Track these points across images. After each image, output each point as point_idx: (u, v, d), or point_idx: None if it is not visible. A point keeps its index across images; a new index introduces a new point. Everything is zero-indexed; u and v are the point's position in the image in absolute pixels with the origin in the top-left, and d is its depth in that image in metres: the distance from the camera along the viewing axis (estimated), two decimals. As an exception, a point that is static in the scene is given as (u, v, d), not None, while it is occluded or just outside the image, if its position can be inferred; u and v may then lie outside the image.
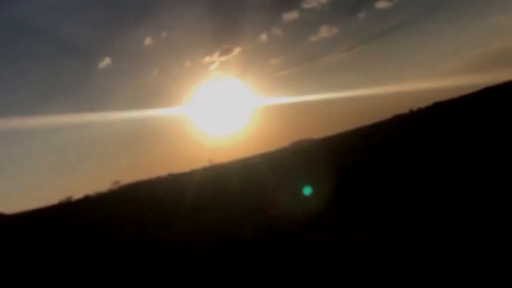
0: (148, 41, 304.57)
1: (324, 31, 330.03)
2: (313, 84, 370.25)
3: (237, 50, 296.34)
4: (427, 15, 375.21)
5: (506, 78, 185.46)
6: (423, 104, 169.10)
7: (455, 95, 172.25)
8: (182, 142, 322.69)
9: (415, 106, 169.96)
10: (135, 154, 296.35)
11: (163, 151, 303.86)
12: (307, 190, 31.10)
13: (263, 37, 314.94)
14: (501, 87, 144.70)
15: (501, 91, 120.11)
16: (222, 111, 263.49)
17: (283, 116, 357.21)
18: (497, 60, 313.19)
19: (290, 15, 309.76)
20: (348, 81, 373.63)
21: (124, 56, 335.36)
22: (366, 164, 38.44)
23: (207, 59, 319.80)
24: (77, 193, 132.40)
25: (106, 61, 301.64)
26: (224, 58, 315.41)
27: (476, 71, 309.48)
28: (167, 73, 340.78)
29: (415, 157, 35.35)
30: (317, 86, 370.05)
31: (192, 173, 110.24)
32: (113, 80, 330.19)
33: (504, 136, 32.94)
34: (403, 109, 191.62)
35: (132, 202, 69.21)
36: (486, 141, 32.63)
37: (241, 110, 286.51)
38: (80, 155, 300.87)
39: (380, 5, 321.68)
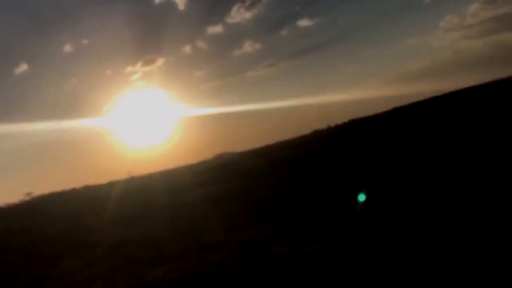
0: (68, 48, 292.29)
1: (248, 46, 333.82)
2: (236, 98, 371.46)
3: (160, 61, 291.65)
4: (347, 35, 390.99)
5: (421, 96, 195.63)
6: (340, 120, 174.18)
7: (370, 112, 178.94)
8: (101, 153, 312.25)
9: (332, 122, 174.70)
10: (51, 166, 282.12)
11: (81, 163, 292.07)
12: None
13: (187, 49, 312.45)
14: (410, 106, 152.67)
15: (410, 109, 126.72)
16: (143, 122, 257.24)
17: (205, 128, 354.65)
18: (412, 79, 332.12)
19: (215, 29, 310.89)
20: (270, 96, 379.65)
21: (42, 62, 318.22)
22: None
23: (129, 68, 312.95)
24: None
25: (23, 67, 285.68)
26: (147, 69, 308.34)
27: (392, 89, 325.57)
28: (87, 81, 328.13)
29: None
30: (240, 100, 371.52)
31: (109, 185, 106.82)
32: (30, 86, 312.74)
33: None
34: (321, 124, 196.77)
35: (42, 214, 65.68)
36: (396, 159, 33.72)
37: (163, 121, 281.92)
38: None
39: (302, 23, 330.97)
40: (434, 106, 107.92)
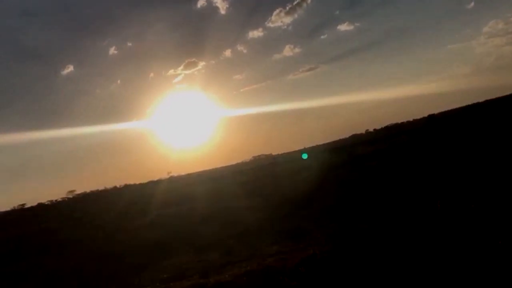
0: (112, 50, 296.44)
1: (288, 50, 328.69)
2: (275, 101, 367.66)
3: (201, 64, 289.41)
4: (387, 40, 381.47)
5: (461, 104, 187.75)
6: (378, 125, 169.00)
7: (410, 118, 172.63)
8: (143, 154, 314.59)
9: (371, 126, 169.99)
10: (94, 166, 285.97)
11: (123, 163, 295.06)
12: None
13: (228, 53, 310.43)
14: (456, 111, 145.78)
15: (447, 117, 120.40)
16: (185, 123, 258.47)
17: (244, 130, 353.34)
18: (452, 86, 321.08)
19: (255, 33, 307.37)
20: (308, 99, 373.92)
21: (87, 64, 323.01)
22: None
23: (171, 71, 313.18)
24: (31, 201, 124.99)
25: (69, 69, 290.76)
26: (188, 72, 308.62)
27: (430, 95, 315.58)
28: (130, 84, 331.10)
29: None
30: (279, 103, 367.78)
31: (148, 184, 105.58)
32: (76, 88, 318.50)
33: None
34: (360, 129, 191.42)
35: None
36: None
37: (204, 123, 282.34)
38: (37, 164, 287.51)
39: (342, 27, 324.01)
40: (474, 114, 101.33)
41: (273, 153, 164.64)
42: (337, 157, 65.42)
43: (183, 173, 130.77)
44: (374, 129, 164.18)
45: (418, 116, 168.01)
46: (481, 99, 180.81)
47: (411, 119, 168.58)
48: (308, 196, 28.75)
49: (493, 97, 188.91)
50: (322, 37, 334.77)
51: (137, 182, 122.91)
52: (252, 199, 34.25)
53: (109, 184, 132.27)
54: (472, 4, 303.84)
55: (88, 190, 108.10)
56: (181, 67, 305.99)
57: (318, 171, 47.40)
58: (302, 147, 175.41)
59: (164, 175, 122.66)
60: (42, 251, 29.44)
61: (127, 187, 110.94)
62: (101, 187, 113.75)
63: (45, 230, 44.78)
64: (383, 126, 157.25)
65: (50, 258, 26.39)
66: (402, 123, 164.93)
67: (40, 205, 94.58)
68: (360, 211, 20.90)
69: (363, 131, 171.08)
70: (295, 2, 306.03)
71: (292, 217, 23.28)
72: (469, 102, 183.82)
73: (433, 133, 67.23)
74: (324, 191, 30.41)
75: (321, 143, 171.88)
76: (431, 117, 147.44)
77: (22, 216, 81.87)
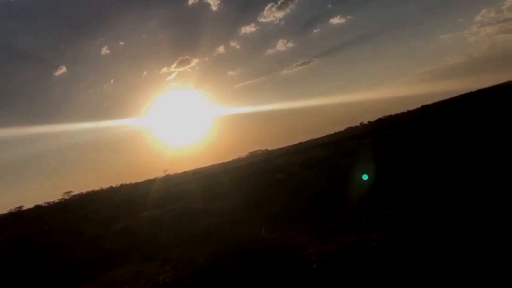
0: (104, 50, 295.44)
1: (281, 45, 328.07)
2: (270, 96, 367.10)
3: (195, 62, 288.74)
4: (380, 32, 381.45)
5: (455, 93, 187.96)
6: (372, 117, 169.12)
7: (404, 109, 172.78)
8: (138, 152, 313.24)
9: (365, 119, 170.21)
10: (89, 165, 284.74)
11: (118, 162, 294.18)
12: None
13: (221, 49, 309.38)
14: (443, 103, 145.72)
15: (441, 107, 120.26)
16: (179, 121, 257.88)
17: (239, 127, 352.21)
18: (445, 75, 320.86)
19: (248, 29, 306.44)
20: (303, 94, 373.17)
21: (80, 65, 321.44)
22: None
23: (164, 69, 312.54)
24: (28, 203, 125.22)
25: (62, 70, 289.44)
26: (182, 69, 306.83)
27: (424, 86, 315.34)
28: (124, 82, 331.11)
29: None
30: (274, 99, 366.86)
31: (145, 183, 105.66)
32: (69, 88, 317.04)
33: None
34: (354, 121, 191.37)
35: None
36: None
37: (199, 120, 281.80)
38: (33, 165, 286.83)
39: (334, 21, 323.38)
40: (468, 103, 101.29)
41: (269, 148, 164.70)
42: (324, 153, 65.84)
43: (179, 171, 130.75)
44: (369, 121, 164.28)
45: (413, 107, 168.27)
46: (473, 89, 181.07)
47: (405, 110, 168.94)
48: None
49: (486, 86, 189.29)
50: (314, 31, 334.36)
51: (134, 181, 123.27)
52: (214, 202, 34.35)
53: (105, 184, 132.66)
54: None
55: (84, 191, 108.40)
56: (174, 64, 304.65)
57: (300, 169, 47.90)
58: (297, 141, 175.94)
59: (160, 174, 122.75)
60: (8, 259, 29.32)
61: (123, 186, 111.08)
62: (97, 187, 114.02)
63: (25, 236, 44.57)
64: (376, 119, 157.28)
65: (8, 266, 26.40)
66: (396, 114, 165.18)
67: (37, 208, 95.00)
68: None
69: (358, 124, 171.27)
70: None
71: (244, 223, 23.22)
72: (462, 92, 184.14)
73: (423, 126, 67.27)
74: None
75: (316, 137, 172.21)
76: (425, 108, 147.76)
77: (19, 219, 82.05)
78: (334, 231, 15.93)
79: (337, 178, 32.56)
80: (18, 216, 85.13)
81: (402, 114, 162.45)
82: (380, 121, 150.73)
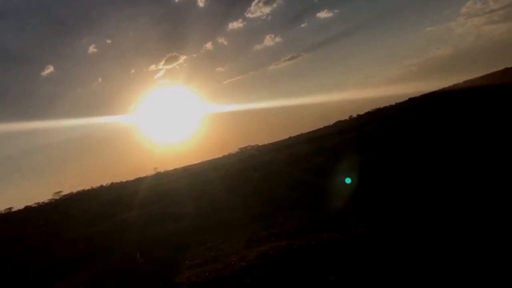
0: (92, 48, 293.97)
1: (269, 40, 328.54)
2: (259, 92, 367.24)
3: (183, 59, 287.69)
4: (367, 25, 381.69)
5: (442, 85, 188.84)
6: (361, 110, 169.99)
7: (392, 101, 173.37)
8: (127, 150, 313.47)
9: (354, 112, 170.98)
10: (79, 164, 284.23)
11: (108, 160, 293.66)
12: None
13: (209, 45, 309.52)
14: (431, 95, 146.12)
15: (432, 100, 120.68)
16: (168, 119, 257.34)
17: (230, 123, 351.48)
18: (432, 67, 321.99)
19: (235, 24, 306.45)
20: (292, 89, 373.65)
21: (67, 64, 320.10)
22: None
23: (152, 67, 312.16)
24: (19, 204, 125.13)
25: (49, 69, 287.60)
26: (169, 66, 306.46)
27: (413, 78, 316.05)
28: (112, 81, 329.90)
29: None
30: (263, 94, 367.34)
31: (135, 181, 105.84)
32: (57, 88, 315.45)
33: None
34: (344, 115, 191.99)
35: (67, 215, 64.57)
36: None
37: (188, 117, 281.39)
38: (23, 164, 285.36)
39: (321, 15, 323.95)
40: (454, 96, 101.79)
41: (259, 144, 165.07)
42: (306, 149, 66.17)
43: (169, 169, 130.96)
44: (358, 115, 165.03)
45: (401, 99, 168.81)
46: (461, 80, 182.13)
47: (393, 103, 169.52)
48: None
49: (473, 77, 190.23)
50: (302, 25, 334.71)
51: (125, 179, 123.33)
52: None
53: (96, 183, 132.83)
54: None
55: (74, 191, 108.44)
56: (162, 62, 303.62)
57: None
58: (287, 136, 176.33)
59: (150, 171, 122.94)
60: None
61: (113, 185, 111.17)
62: (88, 187, 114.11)
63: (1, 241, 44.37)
64: (365, 112, 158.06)
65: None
66: (385, 107, 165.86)
67: (27, 209, 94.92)
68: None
69: (347, 117, 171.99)
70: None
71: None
72: (451, 83, 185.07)
73: (408, 119, 67.64)
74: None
75: (306, 131, 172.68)
76: (412, 100, 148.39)
77: (8, 221, 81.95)
78: (268, 238, 16.17)
79: (315, 176, 32.99)
80: (8, 218, 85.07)
81: (391, 106, 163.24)
82: (368, 114, 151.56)
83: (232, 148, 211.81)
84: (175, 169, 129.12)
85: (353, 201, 19.52)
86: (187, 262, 15.87)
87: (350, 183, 25.93)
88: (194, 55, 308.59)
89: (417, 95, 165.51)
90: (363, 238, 12.74)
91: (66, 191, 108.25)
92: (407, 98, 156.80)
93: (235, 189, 36.31)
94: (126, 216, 36.87)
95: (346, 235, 13.40)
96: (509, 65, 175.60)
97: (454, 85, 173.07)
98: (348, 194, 21.65)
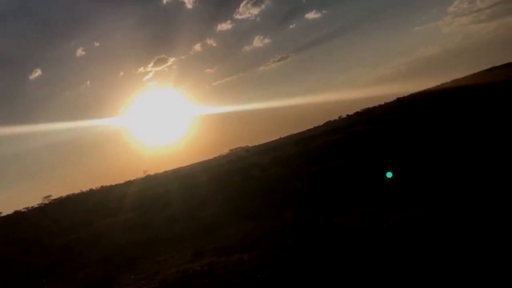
0: (80, 51, 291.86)
1: (257, 41, 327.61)
2: (248, 93, 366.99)
3: (171, 60, 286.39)
4: (355, 26, 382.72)
5: (430, 84, 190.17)
6: (351, 110, 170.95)
7: (382, 101, 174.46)
8: (117, 153, 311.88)
9: (344, 113, 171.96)
10: (68, 167, 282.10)
11: (97, 163, 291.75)
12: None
13: (198, 47, 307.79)
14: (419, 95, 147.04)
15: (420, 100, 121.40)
16: (158, 121, 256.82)
17: (219, 125, 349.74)
18: (421, 67, 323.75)
19: (224, 26, 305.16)
20: (281, 90, 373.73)
21: (55, 67, 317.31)
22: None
23: (141, 69, 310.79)
24: (8, 208, 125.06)
25: (37, 73, 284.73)
26: (158, 68, 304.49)
27: (402, 78, 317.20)
28: (100, 83, 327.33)
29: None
30: (252, 95, 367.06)
31: (125, 184, 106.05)
32: (45, 91, 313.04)
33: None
34: (334, 115, 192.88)
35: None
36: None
37: (178, 119, 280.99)
38: (12, 168, 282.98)
39: (310, 16, 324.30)
40: (443, 96, 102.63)
41: (250, 145, 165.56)
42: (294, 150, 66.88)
43: (159, 171, 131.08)
44: (347, 115, 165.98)
45: (390, 99, 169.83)
46: (449, 79, 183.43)
47: (382, 103, 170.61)
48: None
49: (461, 76, 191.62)
50: (290, 26, 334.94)
51: (114, 182, 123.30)
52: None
53: (86, 186, 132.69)
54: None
55: (64, 195, 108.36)
56: (151, 64, 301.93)
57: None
58: (277, 137, 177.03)
59: (141, 174, 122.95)
60: None
61: (102, 189, 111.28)
62: (77, 190, 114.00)
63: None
64: (354, 112, 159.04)
65: None
66: (374, 107, 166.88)
67: (16, 213, 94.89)
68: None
69: (337, 117, 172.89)
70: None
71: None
72: (438, 83, 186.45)
73: (394, 120, 68.19)
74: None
75: (295, 132, 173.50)
76: (400, 100, 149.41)
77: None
78: (212, 252, 16.61)
79: (289, 182, 33.47)
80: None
81: (380, 106, 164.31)
82: (357, 114, 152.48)
83: (222, 149, 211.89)
84: (165, 172, 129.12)
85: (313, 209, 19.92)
86: (132, 277, 16.41)
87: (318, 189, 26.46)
88: (183, 57, 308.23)
89: (406, 94, 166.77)
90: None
91: (55, 195, 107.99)
92: (395, 98, 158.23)
93: (210, 197, 36.80)
94: (102, 223, 37.31)
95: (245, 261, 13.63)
96: (496, 64, 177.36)
97: (442, 84, 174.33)
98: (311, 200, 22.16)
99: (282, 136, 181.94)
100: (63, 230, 42.80)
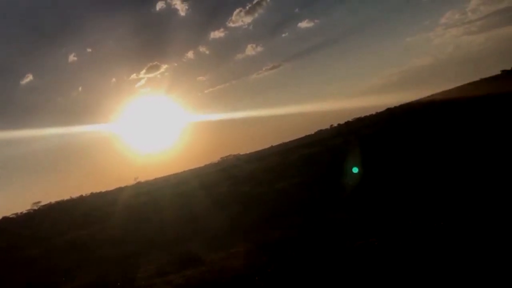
0: (72, 57, 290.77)
1: (250, 50, 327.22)
2: (241, 101, 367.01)
3: (164, 67, 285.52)
4: (347, 35, 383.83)
5: (420, 95, 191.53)
6: (342, 120, 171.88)
7: (373, 111, 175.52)
8: (108, 159, 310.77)
9: (335, 122, 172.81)
10: (58, 173, 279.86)
11: (87, 169, 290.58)
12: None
13: (190, 54, 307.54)
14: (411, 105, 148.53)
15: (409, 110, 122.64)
16: (150, 128, 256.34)
17: (211, 132, 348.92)
18: (413, 77, 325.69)
19: (217, 34, 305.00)
20: (273, 98, 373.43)
21: (47, 73, 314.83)
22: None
23: (133, 76, 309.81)
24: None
25: (28, 78, 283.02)
26: (151, 75, 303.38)
27: (393, 88, 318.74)
28: (92, 90, 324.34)
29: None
30: (245, 103, 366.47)
31: (115, 191, 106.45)
32: (36, 97, 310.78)
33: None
34: (325, 124, 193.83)
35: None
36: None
37: (169, 126, 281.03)
38: (2, 174, 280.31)
39: (302, 25, 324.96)
40: (433, 107, 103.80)
41: (241, 153, 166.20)
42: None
43: (150, 178, 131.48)
44: (338, 124, 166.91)
45: (381, 108, 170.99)
46: (439, 90, 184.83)
47: (374, 112, 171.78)
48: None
49: (452, 87, 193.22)
50: (283, 35, 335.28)
51: (105, 189, 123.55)
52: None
53: (77, 192, 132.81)
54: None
55: (53, 201, 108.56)
56: (144, 71, 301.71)
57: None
58: (269, 145, 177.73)
59: (131, 181, 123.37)
60: None
61: (92, 195, 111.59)
62: (67, 197, 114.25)
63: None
64: (345, 121, 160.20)
65: None
66: (365, 116, 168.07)
67: (5, 219, 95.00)
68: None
69: (328, 126, 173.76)
70: (255, 1, 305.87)
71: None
72: (429, 93, 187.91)
73: (370, 136, 69.03)
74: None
75: (287, 140, 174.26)
76: (389, 110, 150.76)
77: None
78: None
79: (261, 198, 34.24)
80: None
81: (371, 116, 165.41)
82: (348, 124, 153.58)
83: (214, 157, 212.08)
84: (155, 179, 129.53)
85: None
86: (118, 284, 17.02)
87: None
88: (176, 64, 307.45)
89: (397, 104, 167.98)
90: None
91: (45, 201, 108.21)
92: (385, 108, 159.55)
93: (191, 208, 37.54)
94: (79, 234, 37.88)
95: None
96: (486, 76, 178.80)
97: (432, 95, 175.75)
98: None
99: (273, 144, 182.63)
100: (45, 239, 43.31)
